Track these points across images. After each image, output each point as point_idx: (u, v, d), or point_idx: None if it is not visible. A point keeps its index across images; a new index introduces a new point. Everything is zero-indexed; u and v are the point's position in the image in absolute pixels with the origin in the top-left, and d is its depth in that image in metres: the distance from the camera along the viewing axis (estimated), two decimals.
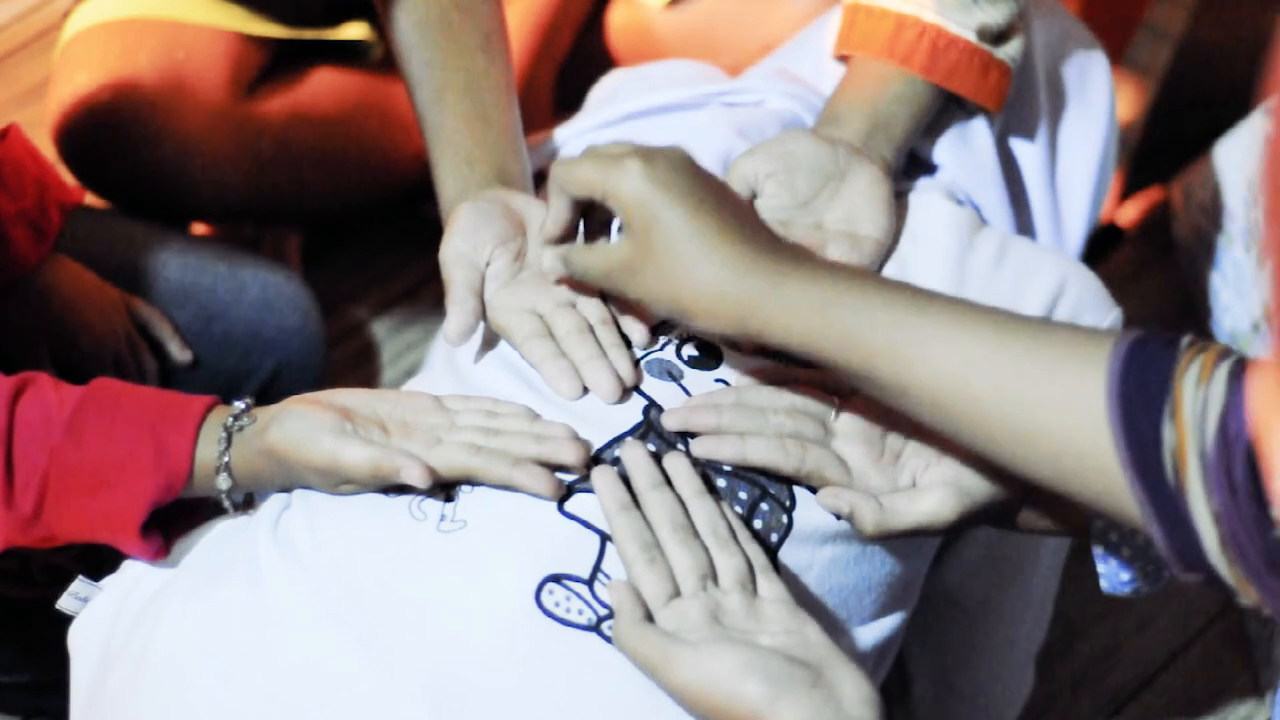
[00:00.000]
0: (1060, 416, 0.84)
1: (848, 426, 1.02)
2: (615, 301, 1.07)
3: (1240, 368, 0.81)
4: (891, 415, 1.02)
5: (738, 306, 0.91)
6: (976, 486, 0.98)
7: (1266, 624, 1.67)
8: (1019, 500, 1.00)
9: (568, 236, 1.02)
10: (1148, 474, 0.81)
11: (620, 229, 0.97)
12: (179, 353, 1.42)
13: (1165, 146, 1.98)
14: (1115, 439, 0.82)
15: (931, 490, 0.98)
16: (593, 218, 1.04)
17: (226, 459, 1.00)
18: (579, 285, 1.08)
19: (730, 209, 0.93)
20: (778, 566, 0.98)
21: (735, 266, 0.91)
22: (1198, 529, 0.80)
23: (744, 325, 0.91)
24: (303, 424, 0.97)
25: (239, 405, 1.02)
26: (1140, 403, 0.82)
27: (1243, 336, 1.85)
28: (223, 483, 1.00)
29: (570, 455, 0.97)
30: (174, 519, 1.04)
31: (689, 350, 1.07)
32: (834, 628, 1.03)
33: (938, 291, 0.92)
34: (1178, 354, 0.82)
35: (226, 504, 1.02)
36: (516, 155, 1.18)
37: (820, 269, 0.92)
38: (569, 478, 0.97)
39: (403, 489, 0.98)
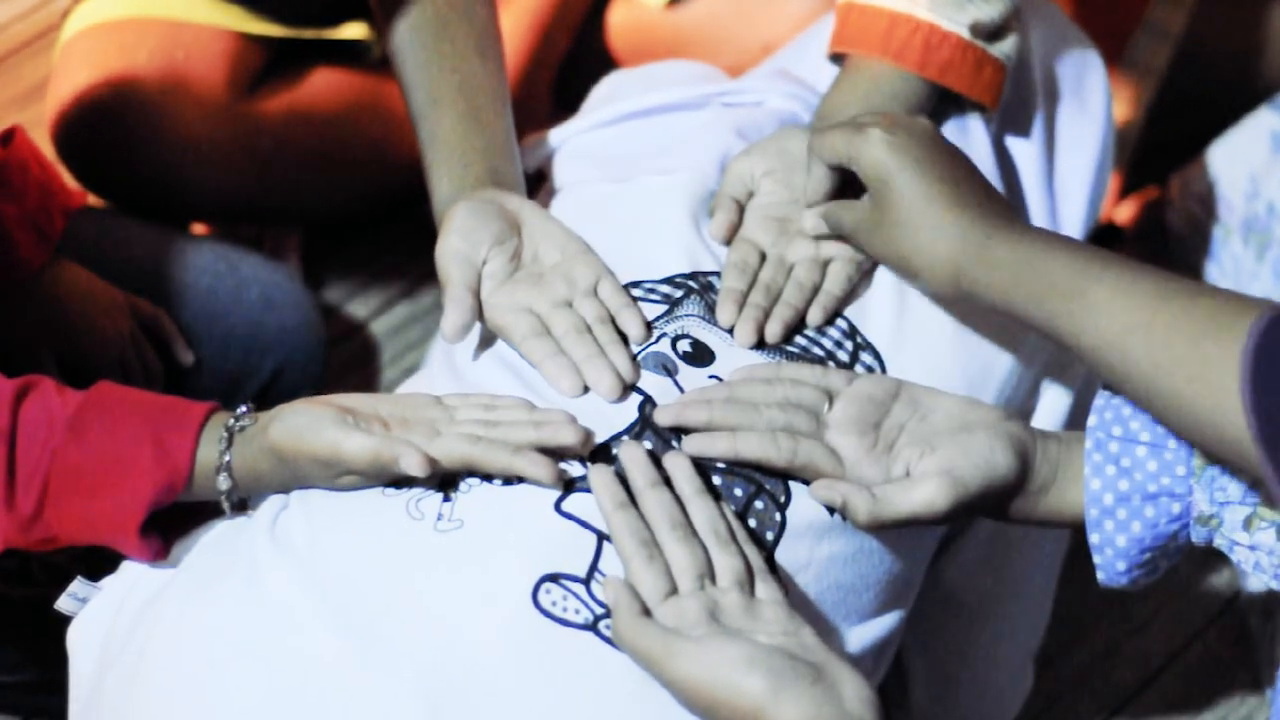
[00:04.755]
0: (1198, 388, 0.87)
1: (841, 418, 1.02)
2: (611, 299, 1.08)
3: None
4: (884, 405, 1.03)
5: (952, 267, 1.00)
6: (970, 476, 0.98)
7: (1267, 623, 1.67)
8: (1013, 490, 1.01)
9: (828, 199, 1.10)
10: (1277, 452, 0.83)
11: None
12: (182, 353, 1.43)
13: (1164, 146, 1.98)
14: (1246, 416, 0.84)
15: (925, 480, 0.98)
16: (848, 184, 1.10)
17: (227, 459, 1.00)
18: (578, 282, 1.09)
19: (963, 178, 1.02)
20: (774, 566, 0.98)
21: (952, 230, 0.99)
22: None
23: (957, 284, 1.00)
24: (304, 418, 0.98)
25: (241, 409, 1.02)
26: (1272, 381, 0.83)
27: None
28: (223, 483, 1.00)
29: (570, 437, 0.97)
30: (173, 522, 1.04)
31: (684, 346, 1.08)
32: (832, 626, 1.03)
33: (1121, 257, 0.95)
34: None
35: (225, 505, 1.02)
36: (510, 157, 1.18)
37: (1026, 233, 0.99)
38: (568, 474, 0.97)
39: (401, 487, 0.98)
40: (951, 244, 1.00)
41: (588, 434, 0.99)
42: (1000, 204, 1.03)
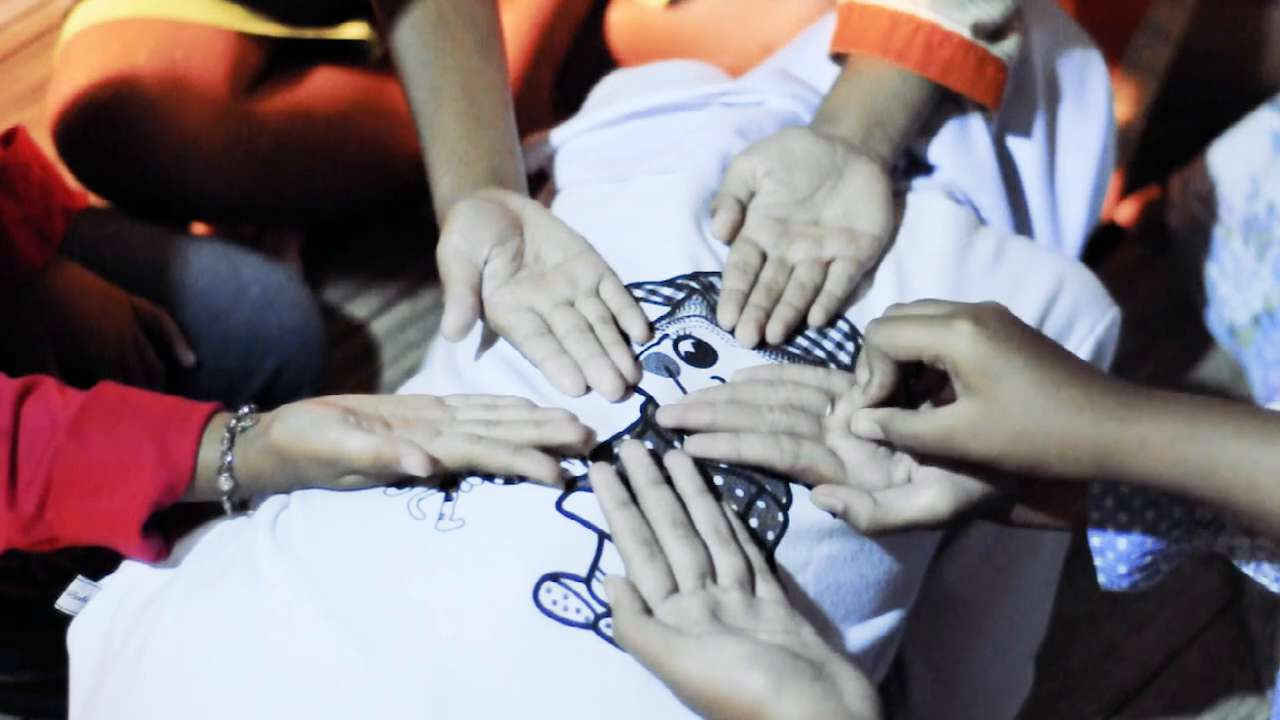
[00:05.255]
0: None
1: (842, 421, 1.02)
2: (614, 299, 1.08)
3: None
4: None
5: (1095, 449, 0.91)
6: (971, 481, 0.98)
7: (1268, 623, 1.67)
8: (1014, 494, 1.00)
9: (888, 401, 0.99)
10: None
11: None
12: (183, 354, 1.43)
13: (1165, 146, 1.99)
14: None
15: (927, 485, 0.98)
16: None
17: (229, 459, 1.00)
18: (580, 282, 1.09)
19: (1061, 354, 0.94)
20: (775, 565, 0.98)
21: (1086, 411, 0.91)
22: None
23: (1102, 466, 0.92)
24: (306, 418, 0.98)
25: (243, 410, 1.02)
26: None
27: (1241, 330, 1.85)
28: (224, 484, 1.00)
29: (570, 435, 0.97)
30: (175, 521, 1.04)
31: (686, 346, 1.08)
32: (832, 625, 1.03)
33: (1269, 411, 0.91)
34: None
35: (226, 506, 1.02)
36: (511, 156, 1.18)
37: (1168, 402, 0.91)
38: (569, 473, 0.97)
39: (402, 487, 0.98)
40: (1090, 425, 0.91)
41: (589, 432, 0.99)
42: (1109, 375, 0.96)
